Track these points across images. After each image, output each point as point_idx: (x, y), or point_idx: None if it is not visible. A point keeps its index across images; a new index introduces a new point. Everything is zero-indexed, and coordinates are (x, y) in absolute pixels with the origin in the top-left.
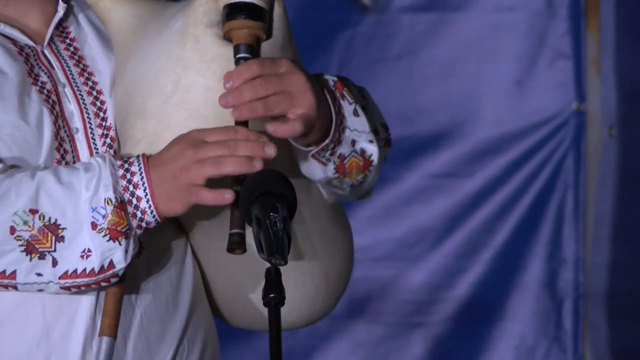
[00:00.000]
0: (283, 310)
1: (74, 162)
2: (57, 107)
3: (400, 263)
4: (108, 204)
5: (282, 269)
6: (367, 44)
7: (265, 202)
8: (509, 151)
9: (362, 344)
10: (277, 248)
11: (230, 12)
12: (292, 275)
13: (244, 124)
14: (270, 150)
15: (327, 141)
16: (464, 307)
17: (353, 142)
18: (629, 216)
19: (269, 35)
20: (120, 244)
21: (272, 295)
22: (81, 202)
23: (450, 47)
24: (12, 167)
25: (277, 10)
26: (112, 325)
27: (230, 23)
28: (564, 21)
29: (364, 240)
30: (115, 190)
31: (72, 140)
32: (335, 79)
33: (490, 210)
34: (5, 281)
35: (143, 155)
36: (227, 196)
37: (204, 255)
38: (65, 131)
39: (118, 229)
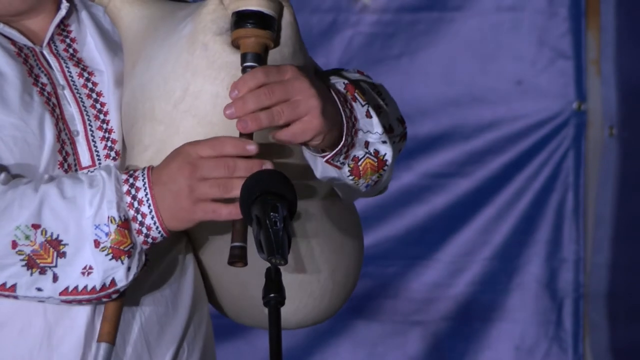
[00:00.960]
0: (290, 309)
1: (75, 165)
2: (57, 110)
3: (400, 262)
4: (112, 222)
5: (289, 268)
6: (367, 44)
7: (265, 201)
8: (509, 151)
9: (361, 343)
10: (277, 248)
11: (238, 20)
12: (298, 274)
13: (249, 134)
14: (268, 168)
15: (340, 146)
16: (464, 306)
17: (366, 144)
18: (629, 216)
19: (277, 43)
20: (122, 263)
21: (272, 295)
22: (84, 219)
23: (450, 47)
24: (16, 176)
25: (287, 18)
26: (110, 331)
27: (238, 31)
28: (565, 21)
29: (364, 239)
30: (119, 208)
31: (72, 143)
32: (346, 81)
33: (490, 210)
34: (6, 293)
35: (148, 168)
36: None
37: (209, 254)
38: (66, 134)
39: (121, 247)
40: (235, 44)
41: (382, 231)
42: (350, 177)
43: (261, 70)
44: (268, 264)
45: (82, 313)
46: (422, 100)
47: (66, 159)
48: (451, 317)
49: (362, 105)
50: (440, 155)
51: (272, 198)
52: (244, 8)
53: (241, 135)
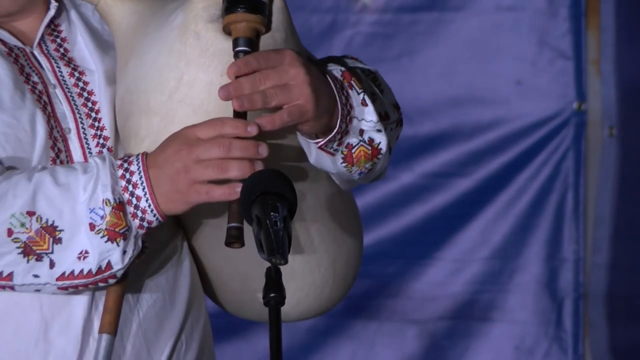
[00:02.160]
0: (292, 301)
1: (68, 162)
2: (48, 108)
3: (400, 262)
4: (106, 204)
5: (289, 257)
6: (366, 44)
7: (265, 201)
8: (509, 151)
9: (360, 342)
10: (277, 248)
11: (230, 6)
12: (299, 264)
13: (242, 115)
14: (263, 150)
15: (333, 133)
16: (464, 306)
17: (361, 132)
18: (629, 216)
19: (268, 28)
20: (118, 245)
21: (272, 294)
22: (79, 204)
23: (450, 47)
24: (9, 168)
25: (278, 3)
26: (112, 322)
27: (229, 17)
28: (565, 21)
29: (364, 239)
30: (114, 191)
31: (64, 141)
32: (343, 68)
33: (490, 210)
34: (2, 282)
35: (143, 153)
36: (237, 190)
37: (208, 247)
38: (57, 131)
39: (116, 230)
40: (226, 30)
41: (382, 231)
42: (344, 164)
43: (255, 56)
44: None
45: (79, 307)
46: (422, 100)
47: (58, 156)
48: (451, 317)
49: (358, 93)
50: (440, 155)
51: (272, 198)
52: None
53: (235, 115)
